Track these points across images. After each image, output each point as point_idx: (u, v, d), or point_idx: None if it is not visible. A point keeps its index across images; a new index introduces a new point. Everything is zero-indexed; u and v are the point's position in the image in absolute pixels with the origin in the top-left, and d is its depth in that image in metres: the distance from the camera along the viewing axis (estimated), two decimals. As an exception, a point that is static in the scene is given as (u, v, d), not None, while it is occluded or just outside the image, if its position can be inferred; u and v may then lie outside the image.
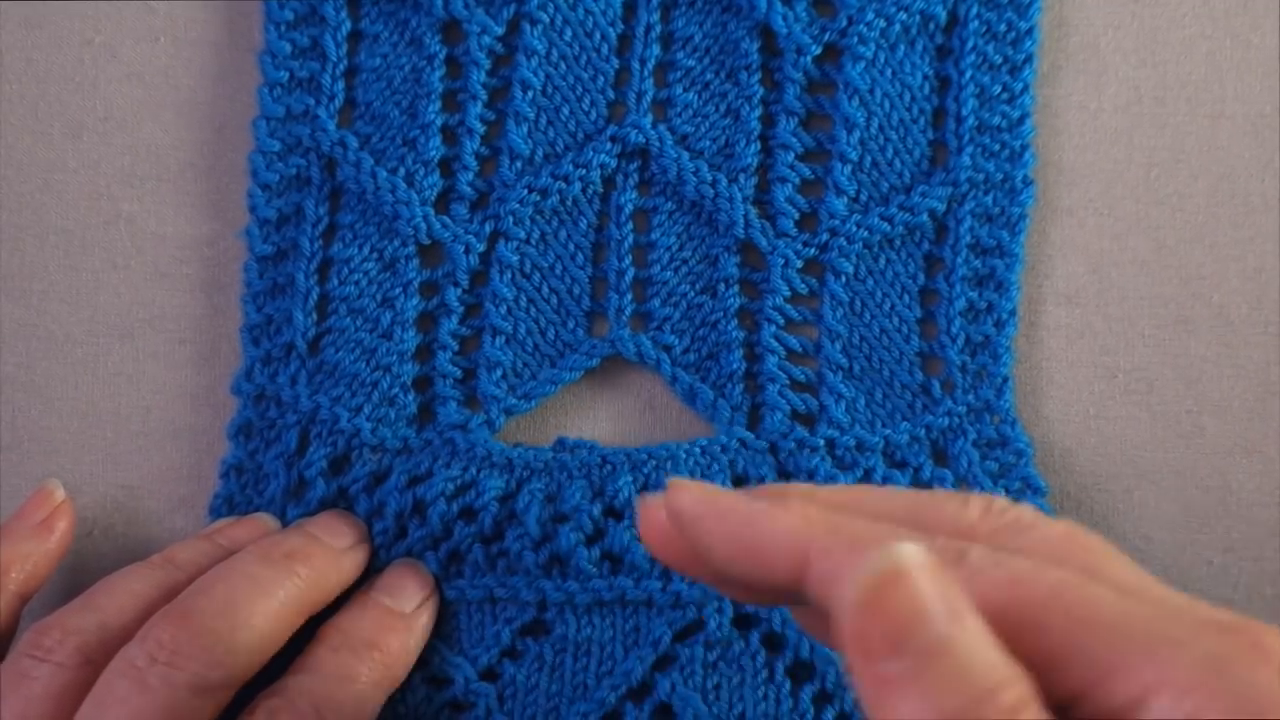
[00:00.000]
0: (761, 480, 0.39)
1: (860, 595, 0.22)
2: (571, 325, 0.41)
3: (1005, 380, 0.39)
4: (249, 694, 0.35)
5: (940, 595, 0.21)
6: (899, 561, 0.22)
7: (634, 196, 0.41)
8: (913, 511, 0.26)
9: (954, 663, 0.21)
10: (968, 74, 0.40)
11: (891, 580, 0.21)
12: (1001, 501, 0.26)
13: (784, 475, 0.39)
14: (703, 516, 0.26)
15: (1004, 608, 0.22)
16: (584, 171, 0.40)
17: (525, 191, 0.40)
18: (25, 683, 0.33)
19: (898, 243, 0.40)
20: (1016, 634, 0.22)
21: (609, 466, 0.39)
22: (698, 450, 0.39)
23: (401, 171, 0.40)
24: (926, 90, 0.40)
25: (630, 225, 0.41)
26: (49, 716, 0.33)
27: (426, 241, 0.40)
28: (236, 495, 0.40)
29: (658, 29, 0.41)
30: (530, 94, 0.40)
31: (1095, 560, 0.24)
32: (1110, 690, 0.22)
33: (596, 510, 0.38)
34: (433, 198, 0.40)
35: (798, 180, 0.40)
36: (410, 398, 0.40)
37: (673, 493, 0.26)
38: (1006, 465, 0.39)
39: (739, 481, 0.39)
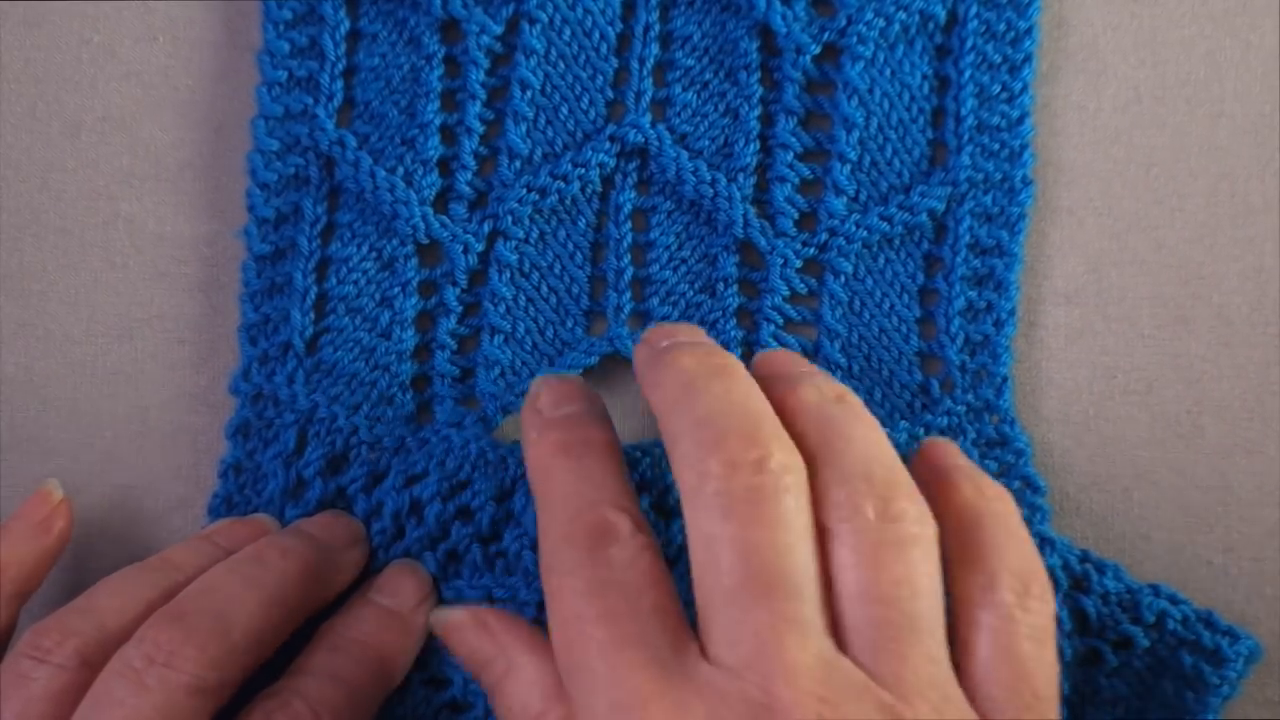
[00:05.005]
0: None
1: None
2: (570, 324, 0.41)
3: (1004, 380, 0.39)
4: (247, 695, 0.35)
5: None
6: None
7: (633, 196, 0.41)
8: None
9: None
10: (967, 73, 0.40)
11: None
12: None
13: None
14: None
15: None
16: (583, 171, 0.40)
17: (524, 191, 0.40)
18: (24, 684, 0.33)
19: (897, 242, 0.40)
20: None
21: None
22: None
23: (400, 171, 0.40)
24: (926, 90, 0.40)
25: (629, 224, 0.41)
26: (48, 718, 0.33)
27: (425, 241, 0.40)
28: (235, 495, 0.40)
29: (656, 28, 0.40)
30: (529, 93, 0.40)
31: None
32: None
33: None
34: (431, 197, 0.40)
35: (797, 180, 0.40)
36: (408, 397, 0.40)
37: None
38: (1005, 464, 0.39)
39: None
